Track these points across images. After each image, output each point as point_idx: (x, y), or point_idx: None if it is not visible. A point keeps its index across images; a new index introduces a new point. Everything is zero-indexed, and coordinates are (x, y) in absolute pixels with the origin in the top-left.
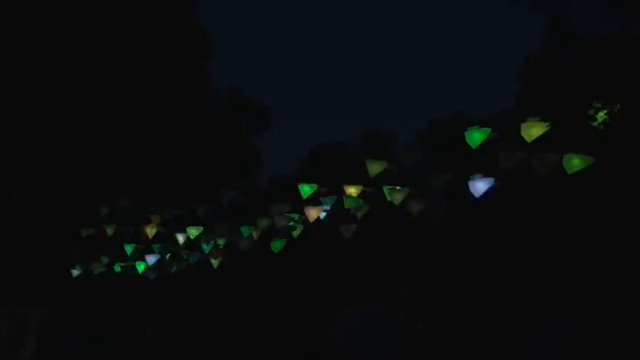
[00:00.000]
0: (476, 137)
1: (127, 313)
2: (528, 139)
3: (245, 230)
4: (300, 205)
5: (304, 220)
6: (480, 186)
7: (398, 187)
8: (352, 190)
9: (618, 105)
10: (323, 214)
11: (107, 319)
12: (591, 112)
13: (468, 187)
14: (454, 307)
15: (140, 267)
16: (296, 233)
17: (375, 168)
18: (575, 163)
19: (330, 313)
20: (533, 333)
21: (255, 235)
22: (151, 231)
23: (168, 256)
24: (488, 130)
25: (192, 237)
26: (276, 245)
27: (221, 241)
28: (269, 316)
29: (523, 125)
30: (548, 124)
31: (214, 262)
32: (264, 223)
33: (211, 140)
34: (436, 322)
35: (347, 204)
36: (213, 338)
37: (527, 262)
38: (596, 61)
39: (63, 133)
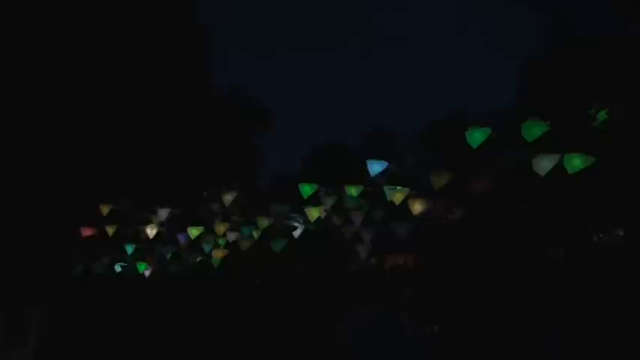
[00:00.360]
0: (477, 137)
1: (128, 313)
2: (529, 139)
3: (245, 230)
4: (301, 204)
5: (306, 220)
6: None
7: (399, 187)
8: (353, 190)
9: (619, 105)
10: (324, 214)
11: (108, 319)
12: (592, 111)
13: (467, 186)
14: (456, 307)
15: (141, 267)
16: (297, 233)
17: (375, 168)
18: (575, 162)
19: (333, 314)
20: (532, 333)
21: (255, 235)
22: (151, 231)
23: (169, 256)
24: (489, 130)
25: (192, 237)
26: (277, 245)
27: (222, 241)
28: (271, 316)
29: (524, 125)
30: (549, 123)
31: (215, 262)
32: (265, 222)
33: (213, 140)
34: (438, 322)
35: (347, 204)
36: (215, 339)
37: (527, 263)
38: (596, 61)
39: (64, 133)
